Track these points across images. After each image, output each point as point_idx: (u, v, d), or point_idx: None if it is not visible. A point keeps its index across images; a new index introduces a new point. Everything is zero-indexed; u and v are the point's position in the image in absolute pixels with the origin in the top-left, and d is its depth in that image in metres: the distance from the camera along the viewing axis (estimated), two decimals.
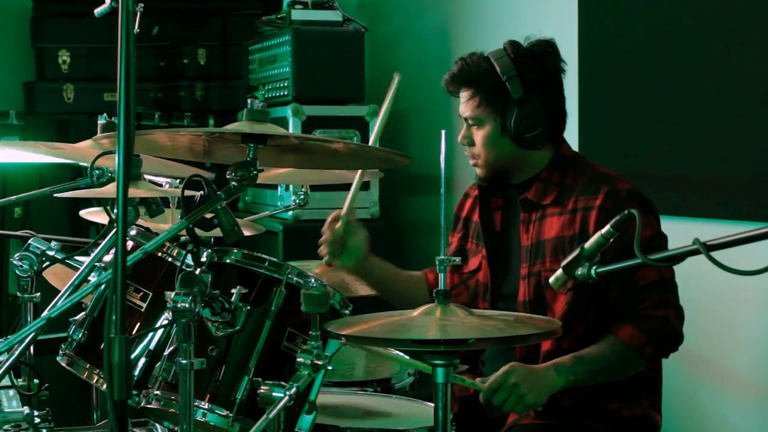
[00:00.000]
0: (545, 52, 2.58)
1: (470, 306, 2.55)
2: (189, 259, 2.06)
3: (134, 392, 2.15)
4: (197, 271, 2.01)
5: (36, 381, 2.57)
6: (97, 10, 2.09)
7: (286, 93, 4.25)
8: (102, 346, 1.89)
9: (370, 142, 2.64)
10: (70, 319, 2.28)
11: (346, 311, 2.23)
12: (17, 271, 2.50)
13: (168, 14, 4.81)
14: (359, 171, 2.66)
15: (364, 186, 4.09)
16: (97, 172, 2.45)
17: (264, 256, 2.18)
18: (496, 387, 2.36)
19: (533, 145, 2.55)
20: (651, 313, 2.43)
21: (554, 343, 2.46)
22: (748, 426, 3.08)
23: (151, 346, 2.21)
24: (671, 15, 3.19)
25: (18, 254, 2.49)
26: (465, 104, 2.60)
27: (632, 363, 2.45)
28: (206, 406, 2.09)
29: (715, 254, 1.66)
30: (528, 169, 2.61)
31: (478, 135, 2.59)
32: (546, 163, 2.59)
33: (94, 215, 2.83)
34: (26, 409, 2.41)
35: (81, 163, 2.68)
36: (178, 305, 1.90)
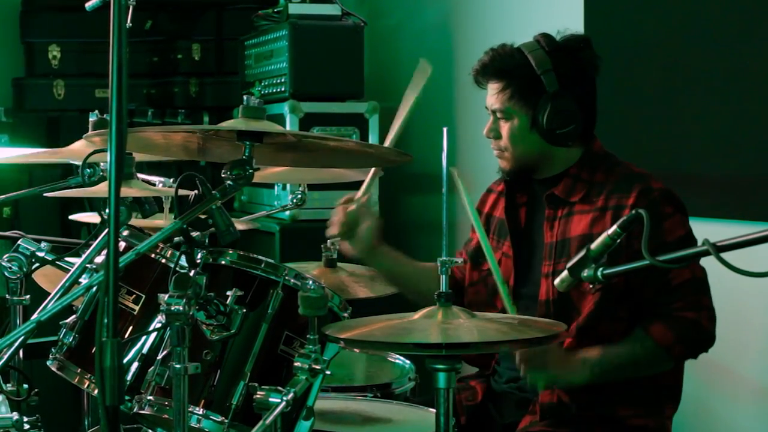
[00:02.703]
0: (580, 48, 2.54)
1: (488, 304, 2.56)
2: (183, 261, 2.05)
3: (126, 397, 2.13)
4: (191, 273, 1.99)
5: (25, 386, 2.55)
6: (89, 4, 2.08)
7: (283, 89, 4.21)
8: (93, 350, 1.87)
9: (386, 143, 2.60)
10: (61, 323, 2.26)
11: (345, 314, 2.21)
12: (6, 273, 2.47)
13: (161, 8, 4.78)
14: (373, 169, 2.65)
15: None
16: (88, 170, 2.42)
17: (260, 257, 2.16)
18: (527, 359, 2.35)
19: (564, 141, 2.51)
20: (683, 315, 2.41)
21: (576, 344, 2.41)
22: (756, 430, 3.04)
23: (144, 350, 2.19)
24: (679, 12, 3.19)
25: (7, 255, 2.46)
26: (494, 96, 2.54)
27: (661, 360, 2.42)
28: (201, 412, 2.07)
29: (724, 255, 1.65)
30: (555, 166, 2.55)
31: (506, 128, 2.54)
32: (575, 160, 2.54)
33: (86, 215, 2.81)
34: (15, 415, 2.37)
35: (72, 161, 2.64)
36: (172, 308, 1.87)
